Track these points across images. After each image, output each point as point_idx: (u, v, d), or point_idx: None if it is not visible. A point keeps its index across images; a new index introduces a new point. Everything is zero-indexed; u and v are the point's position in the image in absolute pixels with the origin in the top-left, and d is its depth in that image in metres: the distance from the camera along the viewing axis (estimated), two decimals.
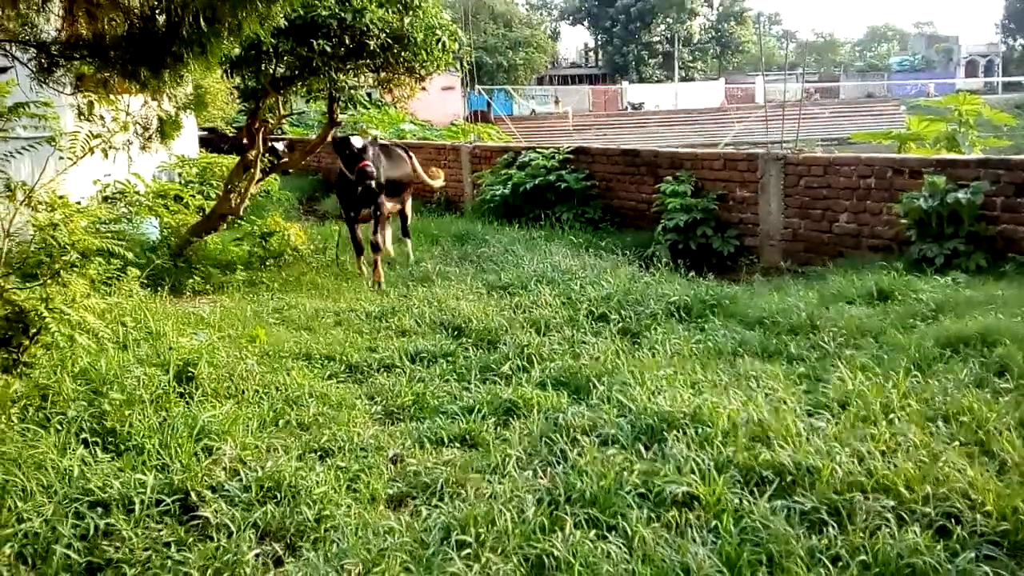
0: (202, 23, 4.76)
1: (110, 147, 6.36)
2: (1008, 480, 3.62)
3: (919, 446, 3.91)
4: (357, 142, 9.00)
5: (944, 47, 78.50)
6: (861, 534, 3.27)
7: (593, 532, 3.41)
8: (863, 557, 3.14)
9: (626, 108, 54.31)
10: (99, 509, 3.65)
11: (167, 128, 6.99)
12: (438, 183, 11.72)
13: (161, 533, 3.55)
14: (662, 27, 73.87)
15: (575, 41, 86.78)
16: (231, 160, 12.84)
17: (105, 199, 9.75)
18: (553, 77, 74.03)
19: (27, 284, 5.12)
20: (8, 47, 5.37)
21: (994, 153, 9.73)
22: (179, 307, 7.49)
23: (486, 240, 10.29)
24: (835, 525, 3.36)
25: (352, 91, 10.23)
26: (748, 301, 6.94)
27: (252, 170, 9.67)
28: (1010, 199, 7.42)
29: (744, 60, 79.17)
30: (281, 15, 5.41)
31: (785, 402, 4.52)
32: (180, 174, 13.92)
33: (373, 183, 8.78)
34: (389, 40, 8.79)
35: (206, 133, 17.69)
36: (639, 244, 9.90)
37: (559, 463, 4.09)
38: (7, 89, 5.47)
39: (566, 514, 3.53)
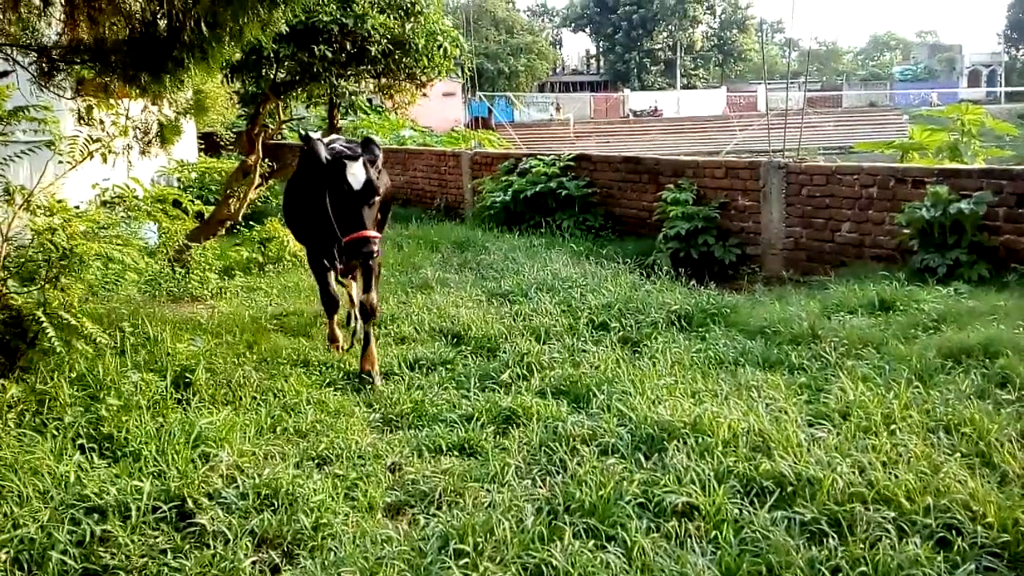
0: (203, 28, 4.77)
1: (109, 151, 6.36)
2: (1009, 492, 3.60)
3: (920, 457, 3.90)
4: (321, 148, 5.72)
5: (947, 56, 78.60)
6: (861, 545, 3.25)
7: (592, 542, 3.40)
8: (863, 568, 3.12)
9: (628, 116, 54.34)
10: (95, 515, 3.63)
11: (167, 133, 6.99)
12: None
13: (158, 540, 3.54)
14: (664, 34, 73.92)
15: (577, 48, 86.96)
16: (229, 165, 12.83)
17: (104, 204, 9.73)
18: (554, 84, 74.08)
19: (25, 288, 5.11)
20: (9, 51, 5.37)
21: (996, 163, 9.72)
22: (177, 313, 7.47)
23: (486, 247, 10.27)
24: (835, 536, 3.34)
25: (353, 97, 10.25)
26: (749, 310, 6.92)
27: (251, 175, 9.66)
28: (1012, 210, 7.40)
29: (746, 68, 79.24)
30: (282, 20, 5.43)
31: (786, 412, 4.51)
32: (179, 179, 13.92)
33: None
34: (390, 46, 8.80)
35: None
36: (640, 252, 9.88)
37: (558, 472, 4.07)
38: (7, 93, 5.47)
39: (565, 524, 3.51)
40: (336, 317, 6.58)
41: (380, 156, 5.73)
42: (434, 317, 7.09)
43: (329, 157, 5.52)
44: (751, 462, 3.93)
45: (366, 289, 6.15)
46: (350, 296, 7.07)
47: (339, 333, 6.58)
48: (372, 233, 5.40)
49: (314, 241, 6.20)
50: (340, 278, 6.69)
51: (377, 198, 5.55)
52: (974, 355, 5.23)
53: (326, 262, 6.08)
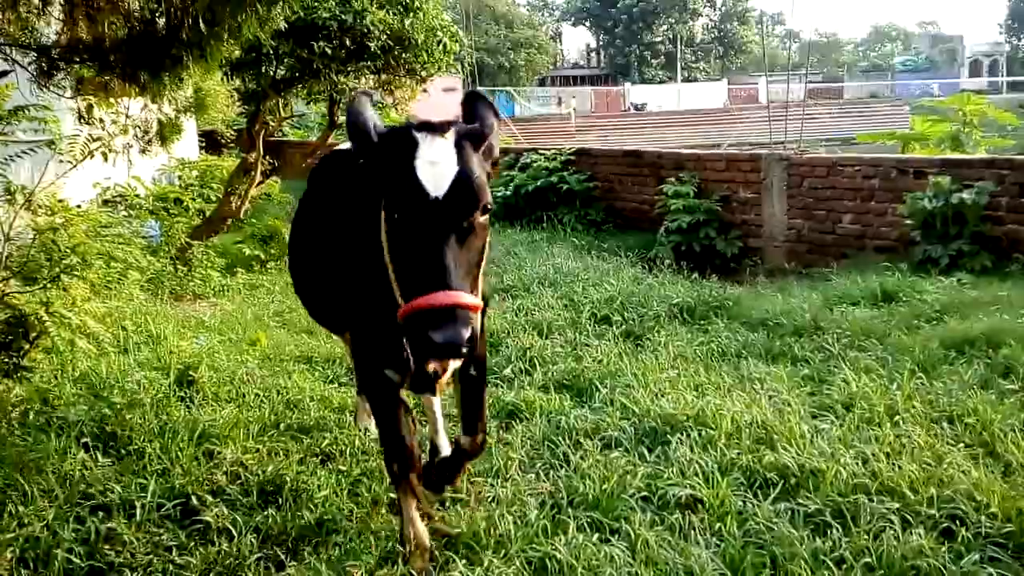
0: (202, 26, 4.75)
1: (110, 150, 6.35)
2: (1013, 482, 3.61)
3: (924, 448, 3.90)
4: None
5: (948, 47, 78.41)
6: (865, 536, 3.25)
7: (596, 535, 3.40)
8: (867, 559, 3.12)
9: (628, 109, 54.27)
10: (100, 513, 3.64)
11: (167, 131, 6.98)
12: None
13: (162, 537, 3.54)
14: (664, 27, 73.80)
15: (577, 42, 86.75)
16: (230, 163, 12.83)
17: (105, 202, 9.74)
18: (555, 78, 73.99)
19: (27, 288, 5.12)
20: (8, 51, 5.36)
21: (998, 153, 9.70)
22: (180, 311, 7.49)
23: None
24: (839, 527, 3.34)
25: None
26: (752, 303, 6.92)
27: (253, 173, 9.66)
28: (1015, 199, 7.39)
29: (747, 61, 79.11)
30: (281, 17, 5.40)
31: (789, 404, 4.50)
32: (180, 177, 13.90)
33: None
34: (390, 42, 8.79)
35: None
36: (642, 246, 9.88)
37: (562, 466, 4.07)
38: (7, 93, 5.46)
39: (569, 517, 3.51)
40: (413, 498, 3.39)
41: (494, 129, 2.89)
42: None
43: (383, 131, 2.80)
44: (754, 454, 3.94)
45: (468, 426, 3.43)
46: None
47: (417, 529, 3.35)
48: (464, 298, 2.53)
49: (362, 324, 3.34)
50: (411, 391, 3.52)
51: (481, 216, 2.69)
52: (977, 345, 5.23)
53: (388, 371, 3.17)
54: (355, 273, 3.17)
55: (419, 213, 2.58)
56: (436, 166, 2.61)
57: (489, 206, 2.71)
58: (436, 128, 2.72)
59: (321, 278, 3.67)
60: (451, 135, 2.70)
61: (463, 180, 2.62)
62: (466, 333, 2.47)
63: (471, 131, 2.78)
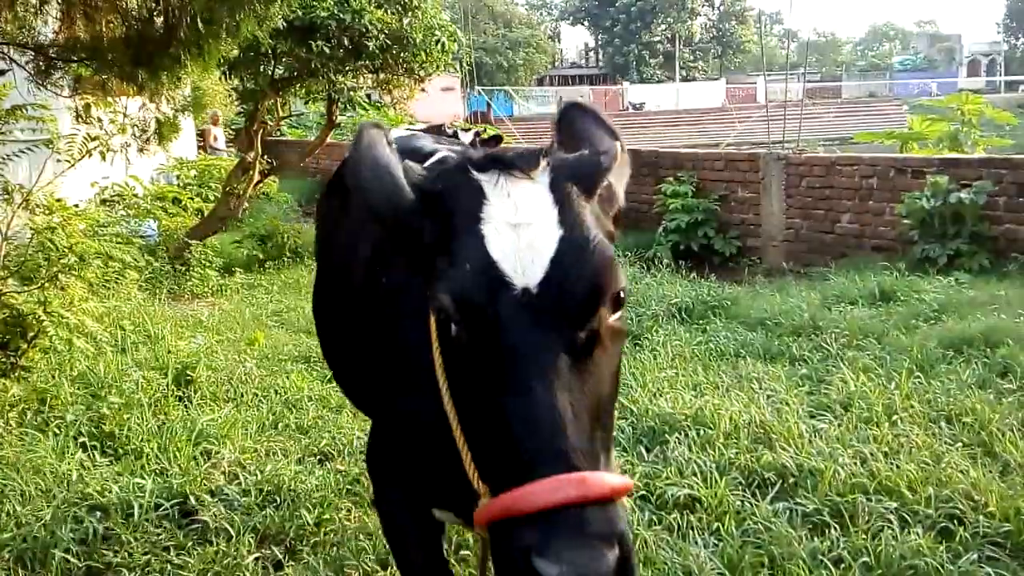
0: (199, 25, 4.74)
1: (108, 149, 6.34)
2: (1011, 481, 3.61)
3: (922, 447, 3.90)
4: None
5: (946, 46, 78.46)
6: (863, 535, 3.26)
7: None
8: (865, 559, 3.12)
9: (627, 108, 54.26)
10: (98, 513, 3.64)
11: (165, 130, 6.96)
12: None
13: (160, 537, 3.54)
14: (663, 27, 73.75)
15: (575, 41, 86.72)
16: (228, 162, 12.83)
17: (103, 202, 9.73)
18: (553, 77, 73.95)
19: (25, 287, 5.11)
20: (6, 49, 5.36)
21: (997, 152, 9.71)
22: (178, 310, 7.48)
23: None
24: (837, 527, 3.34)
25: (351, 92, 10.22)
26: (750, 302, 6.92)
27: (251, 172, 9.65)
28: (1013, 199, 7.40)
29: (745, 60, 79.10)
30: (279, 16, 5.40)
31: (787, 404, 4.51)
32: (178, 176, 13.89)
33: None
34: (388, 41, 8.79)
35: None
36: (640, 245, 9.86)
37: None
38: (5, 92, 5.46)
39: None
40: None
41: (615, 156, 1.62)
42: None
43: (421, 180, 1.58)
44: (753, 454, 3.94)
45: None
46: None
47: None
48: (596, 483, 1.28)
49: (389, 433, 2.22)
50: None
51: (612, 316, 1.46)
52: (975, 345, 5.24)
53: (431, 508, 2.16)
54: (377, 369, 2.16)
55: (498, 318, 1.40)
56: (521, 231, 1.46)
57: (623, 295, 1.51)
58: (513, 164, 1.54)
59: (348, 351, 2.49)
60: (542, 174, 1.54)
61: (574, 253, 1.45)
62: (611, 556, 1.26)
63: (576, 164, 1.59)
